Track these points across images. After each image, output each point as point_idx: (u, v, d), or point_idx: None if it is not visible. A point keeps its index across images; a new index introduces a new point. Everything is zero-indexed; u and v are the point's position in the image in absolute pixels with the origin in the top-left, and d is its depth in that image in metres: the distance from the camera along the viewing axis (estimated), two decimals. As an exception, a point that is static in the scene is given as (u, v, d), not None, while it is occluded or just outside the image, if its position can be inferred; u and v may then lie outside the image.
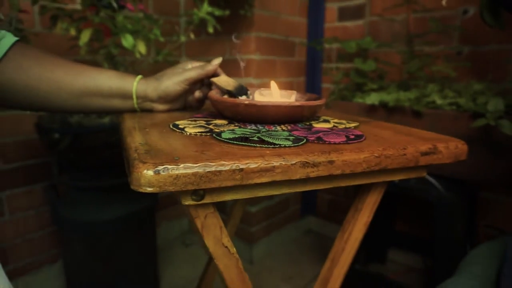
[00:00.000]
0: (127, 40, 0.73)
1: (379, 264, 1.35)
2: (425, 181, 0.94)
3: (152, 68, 0.95)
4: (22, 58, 0.50)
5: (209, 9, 0.90)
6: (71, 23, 0.78)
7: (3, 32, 0.50)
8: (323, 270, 0.50)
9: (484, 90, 0.88)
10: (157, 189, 0.28)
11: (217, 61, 0.56)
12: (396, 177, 0.41)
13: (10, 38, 0.50)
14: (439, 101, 0.86)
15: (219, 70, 0.57)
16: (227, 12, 0.97)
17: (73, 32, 0.78)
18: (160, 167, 0.28)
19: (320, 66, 1.47)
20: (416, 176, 0.42)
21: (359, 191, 0.46)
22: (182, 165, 0.29)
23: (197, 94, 0.57)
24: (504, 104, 0.74)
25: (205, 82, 0.58)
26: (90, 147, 0.89)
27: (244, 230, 1.40)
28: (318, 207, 1.63)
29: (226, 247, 0.37)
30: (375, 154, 0.36)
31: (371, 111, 0.96)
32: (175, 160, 0.29)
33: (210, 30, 0.93)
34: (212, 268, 0.87)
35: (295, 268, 1.35)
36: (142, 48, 0.79)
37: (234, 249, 0.38)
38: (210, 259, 0.87)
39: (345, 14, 1.37)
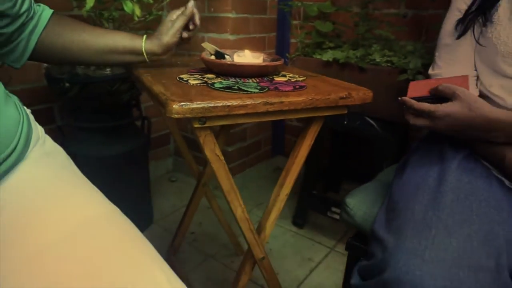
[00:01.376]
0: (127, 6, 0.90)
1: (335, 192, 1.65)
2: (367, 122, 1.19)
3: (142, 25, 1.11)
4: (58, 26, 0.68)
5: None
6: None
7: (42, 6, 0.67)
8: (280, 178, 0.75)
9: (414, 50, 1.11)
10: (181, 116, 0.49)
11: (191, 3, 0.70)
12: (325, 113, 0.64)
13: (48, 11, 0.67)
14: (378, 59, 1.09)
15: (195, 11, 0.71)
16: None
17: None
18: (183, 103, 0.49)
19: (289, 23, 1.65)
20: (338, 113, 0.66)
21: (306, 124, 0.69)
22: (194, 102, 0.50)
23: (185, 35, 0.73)
24: (421, 63, 0.98)
25: (188, 23, 0.73)
26: (94, 94, 1.07)
27: (222, 167, 1.65)
28: (286, 148, 1.89)
29: (218, 155, 0.60)
30: (309, 97, 0.58)
31: (327, 66, 1.18)
32: (190, 100, 0.50)
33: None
34: (196, 198, 1.11)
35: (265, 197, 1.63)
36: (138, 11, 0.96)
37: (223, 157, 0.61)
38: (195, 191, 1.11)
39: (311, -24, 1.53)
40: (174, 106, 0.49)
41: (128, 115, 1.23)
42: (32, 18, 0.63)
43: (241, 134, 1.69)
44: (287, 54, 1.35)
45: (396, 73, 1.06)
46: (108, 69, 1.09)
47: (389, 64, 1.08)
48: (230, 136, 1.57)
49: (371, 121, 1.18)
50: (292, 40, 1.67)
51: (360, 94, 0.64)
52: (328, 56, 1.15)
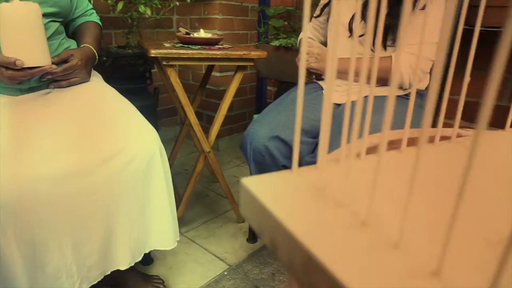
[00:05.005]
0: (141, 8, 1.49)
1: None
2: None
3: (154, 22, 1.70)
4: (84, 27, 1.25)
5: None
6: (112, -2, 1.53)
7: (94, 13, 1.25)
8: (219, 109, 1.30)
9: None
10: (156, 55, 1.06)
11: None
12: (241, 63, 1.19)
13: (94, 17, 1.25)
14: (306, 43, 1.62)
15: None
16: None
17: (110, 2, 1.52)
18: (157, 50, 1.06)
19: (268, 22, 2.20)
20: (247, 64, 1.20)
21: (234, 73, 1.24)
22: (161, 50, 1.07)
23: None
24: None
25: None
26: (121, 65, 1.67)
27: (213, 129, 2.21)
28: (266, 120, 2.43)
29: (178, 83, 1.16)
30: (224, 52, 1.13)
31: (277, 49, 1.72)
32: (159, 49, 1.07)
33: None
34: (181, 134, 1.68)
35: (244, 152, 2.18)
36: (148, 11, 1.55)
37: (181, 86, 1.17)
38: (181, 130, 1.67)
39: (280, -12, 2.08)
40: (152, 50, 1.06)
41: (143, 82, 1.82)
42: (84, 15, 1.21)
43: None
44: (255, 43, 1.90)
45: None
46: (129, 50, 1.68)
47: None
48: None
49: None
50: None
51: (256, 53, 1.18)
52: (276, 42, 1.70)
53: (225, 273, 1.20)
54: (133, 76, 1.76)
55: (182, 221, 1.43)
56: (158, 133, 0.96)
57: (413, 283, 0.17)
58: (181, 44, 1.23)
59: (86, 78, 0.98)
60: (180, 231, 1.37)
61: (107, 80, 1.25)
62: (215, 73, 2.08)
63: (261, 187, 0.29)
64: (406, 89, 0.98)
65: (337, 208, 0.26)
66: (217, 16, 1.99)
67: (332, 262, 0.19)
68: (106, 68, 1.71)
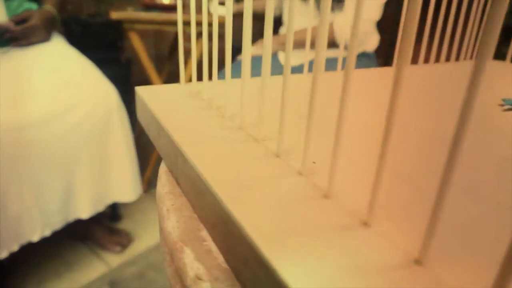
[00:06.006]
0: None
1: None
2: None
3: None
4: None
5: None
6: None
7: None
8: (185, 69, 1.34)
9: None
10: (118, 18, 1.09)
11: None
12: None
13: None
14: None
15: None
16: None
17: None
18: (118, 12, 1.09)
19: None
20: (208, 28, 1.24)
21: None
22: (134, 14, 1.10)
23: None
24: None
25: None
26: (91, 34, 1.68)
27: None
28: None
29: (141, 47, 1.20)
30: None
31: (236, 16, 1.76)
32: (130, 11, 1.10)
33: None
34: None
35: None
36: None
37: (144, 49, 1.20)
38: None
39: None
40: (113, 13, 1.09)
41: (114, 52, 1.84)
42: None
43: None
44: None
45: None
46: (100, 18, 1.70)
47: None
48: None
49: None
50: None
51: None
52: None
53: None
54: (104, 45, 1.78)
55: (152, 181, 1.49)
56: (132, 104, 1.01)
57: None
58: (144, 9, 1.27)
59: (46, 38, 1.01)
60: (150, 191, 1.43)
61: (77, 49, 1.25)
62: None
63: (151, 95, 0.35)
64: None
65: (210, 111, 0.32)
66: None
67: (195, 157, 0.25)
68: (76, 37, 1.73)
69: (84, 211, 0.93)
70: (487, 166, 0.22)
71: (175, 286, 0.20)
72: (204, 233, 0.19)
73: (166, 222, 0.21)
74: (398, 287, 0.12)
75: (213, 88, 0.35)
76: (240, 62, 1.25)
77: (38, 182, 0.83)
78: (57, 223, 0.89)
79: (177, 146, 0.23)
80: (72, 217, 0.92)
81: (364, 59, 1.04)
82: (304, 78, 0.43)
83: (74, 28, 1.66)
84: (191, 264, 0.17)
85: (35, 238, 0.85)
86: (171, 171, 0.26)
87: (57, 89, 0.87)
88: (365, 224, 0.16)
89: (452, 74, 0.51)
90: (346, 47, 1.02)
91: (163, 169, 0.28)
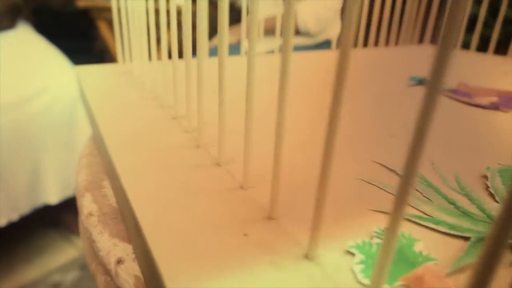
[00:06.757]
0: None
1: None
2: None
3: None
4: None
5: None
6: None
7: None
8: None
9: None
10: (86, 4, 1.10)
11: None
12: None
13: None
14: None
15: None
16: None
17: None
18: (90, 2, 1.10)
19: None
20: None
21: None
22: (100, 2, 1.11)
23: None
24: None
25: None
26: (62, 23, 1.67)
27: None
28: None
29: (111, 36, 1.21)
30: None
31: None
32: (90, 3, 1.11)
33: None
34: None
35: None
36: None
37: (114, 38, 1.22)
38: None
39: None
40: (80, 2, 1.10)
41: (87, 41, 1.83)
42: None
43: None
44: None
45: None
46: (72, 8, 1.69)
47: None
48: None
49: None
50: None
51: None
52: None
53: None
54: (76, 34, 1.77)
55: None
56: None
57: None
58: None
59: (9, 26, 1.01)
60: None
61: (48, 39, 1.27)
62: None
63: (87, 75, 0.38)
64: (314, 37, 1.07)
65: (135, 86, 0.35)
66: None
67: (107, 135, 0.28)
68: (47, 26, 1.71)
69: (52, 196, 0.95)
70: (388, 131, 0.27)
71: (78, 225, 0.23)
72: (106, 183, 0.23)
73: (79, 175, 0.25)
74: (253, 236, 0.15)
75: (145, 68, 0.39)
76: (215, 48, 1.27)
77: (3, 166, 0.84)
78: (24, 207, 0.91)
79: (93, 116, 0.26)
80: (40, 202, 0.94)
81: (326, 47, 1.08)
82: (240, 59, 0.47)
83: (45, 17, 1.65)
84: (88, 205, 0.21)
85: (2, 222, 0.87)
86: (94, 140, 0.29)
87: (22, 76, 0.88)
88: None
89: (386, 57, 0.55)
90: (309, 35, 1.05)
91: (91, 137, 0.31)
